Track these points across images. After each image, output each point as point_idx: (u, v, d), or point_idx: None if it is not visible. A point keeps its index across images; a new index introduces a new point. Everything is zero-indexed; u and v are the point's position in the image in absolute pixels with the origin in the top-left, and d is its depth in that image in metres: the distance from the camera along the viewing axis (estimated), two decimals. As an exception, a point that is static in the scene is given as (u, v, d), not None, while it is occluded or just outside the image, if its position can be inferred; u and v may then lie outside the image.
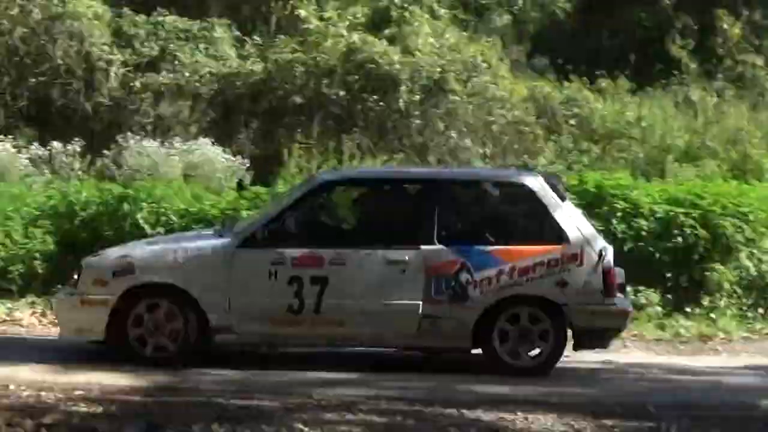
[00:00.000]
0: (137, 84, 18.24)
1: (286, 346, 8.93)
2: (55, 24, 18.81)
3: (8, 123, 18.04)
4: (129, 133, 16.15)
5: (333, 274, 8.36)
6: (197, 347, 8.53)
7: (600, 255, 8.28)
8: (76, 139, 15.88)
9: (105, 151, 15.83)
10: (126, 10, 19.53)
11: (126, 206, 12.22)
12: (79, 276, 8.72)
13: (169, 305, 8.48)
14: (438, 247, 8.35)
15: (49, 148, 15.66)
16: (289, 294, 8.37)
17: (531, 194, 8.48)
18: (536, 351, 8.42)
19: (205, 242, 8.78)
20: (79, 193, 12.75)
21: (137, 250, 8.91)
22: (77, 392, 7.49)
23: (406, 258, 8.34)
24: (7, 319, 11.09)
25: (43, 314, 11.26)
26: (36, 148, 15.71)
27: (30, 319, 11.12)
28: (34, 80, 18.58)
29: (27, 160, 15.40)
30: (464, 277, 8.31)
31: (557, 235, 8.34)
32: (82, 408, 6.97)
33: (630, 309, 8.62)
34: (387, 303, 8.35)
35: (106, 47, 18.67)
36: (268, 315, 8.43)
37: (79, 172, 15.32)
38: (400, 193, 8.92)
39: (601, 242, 8.45)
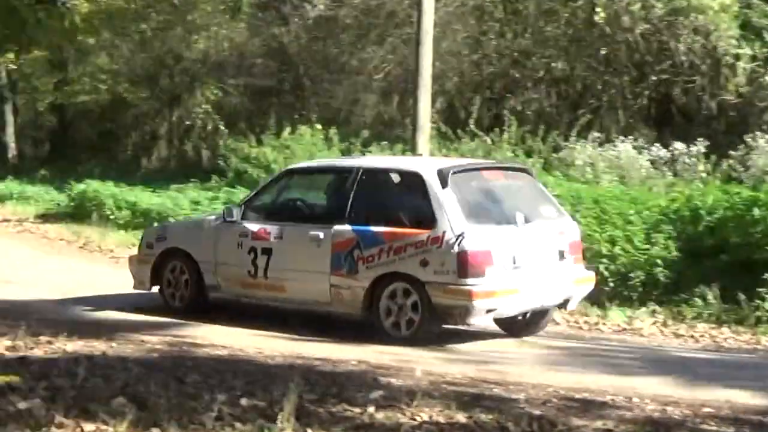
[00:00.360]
0: (767, 79, 17.66)
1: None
2: (679, 19, 18.84)
3: (628, 123, 18.44)
4: (758, 133, 15.68)
5: (275, 246, 10.52)
6: (198, 302, 11.04)
7: (457, 238, 9.44)
8: (700, 139, 15.76)
9: (731, 152, 15.51)
10: (755, 0, 19.02)
11: (756, 211, 11.79)
12: (141, 239, 11.93)
13: (182, 266, 11.11)
14: (344, 226, 10.10)
15: (671, 149, 15.70)
16: (249, 261, 10.61)
17: (421, 182, 9.87)
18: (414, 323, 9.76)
19: (206, 218, 11.66)
20: (703, 196, 12.60)
21: (173, 222, 12.46)
22: (705, 409, 7.31)
23: (321, 235, 10.20)
24: (627, 327, 11.25)
25: (665, 324, 11.27)
26: (657, 149, 15.84)
27: (650, 328, 11.19)
28: (654, 78, 18.79)
29: (648, 162, 15.59)
30: (356, 253, 10.00)
31: (429, 220, 9.68)
32: (712, 426, 6.78)
33: (479, 290, 9.39)
34: (309, 273, 10.28)
35: (733, 41, 18.33)
36: (238, 277, 10.75)
37: (703, 174, 15.18)
38: (332, 179, 10.98)
39: (463, 227, 9.51)
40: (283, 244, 10.47)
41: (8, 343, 8.10)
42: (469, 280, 9.45)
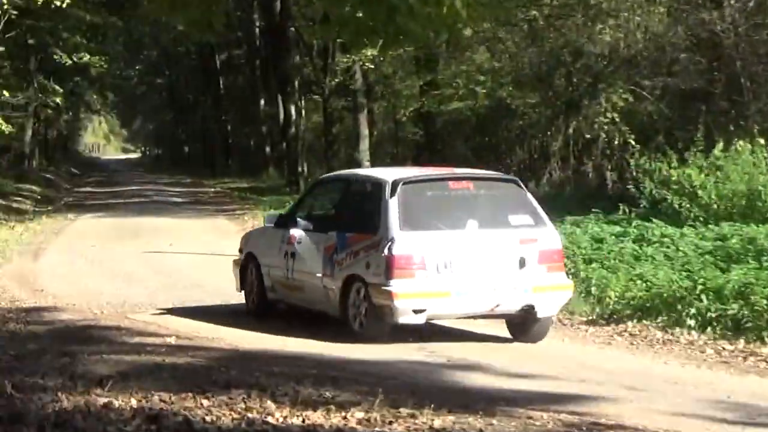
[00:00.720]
0: None
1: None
2: None
3: None
4: None
5: (297, 251, 14.56)
6: (264, 302, 15.29)
7: (388, 243, 12.94)
8: None
9: None
10: None
11: None
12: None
13: (252, 269, 15.47)
14: (332, 232, 13.91)
15: None
16: (285, 264, 14.74)
17: (380, 191, 13.38)
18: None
19: (264, 224, 16.02)
20: None
21: (253, 229, 17.83)
22: None
23: (320, 240, 14.08)
24: None
25: None
26: None
27: None
28: None
29: None
30: (335, 256, 13.73)
31: (375, 226, 13.25)
32: None
33: (400, 291, 12.81)
34: (314, 275, 14.10)
35: None
36: (280, 279, 14.88)
37: None
38: (334, 190, 15.26)
39: (395, 233, 12.99)
40: (301, 248, 14.53)
41: (361, 415, 8.32)
42: (393, 282, 12.93)
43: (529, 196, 14.04)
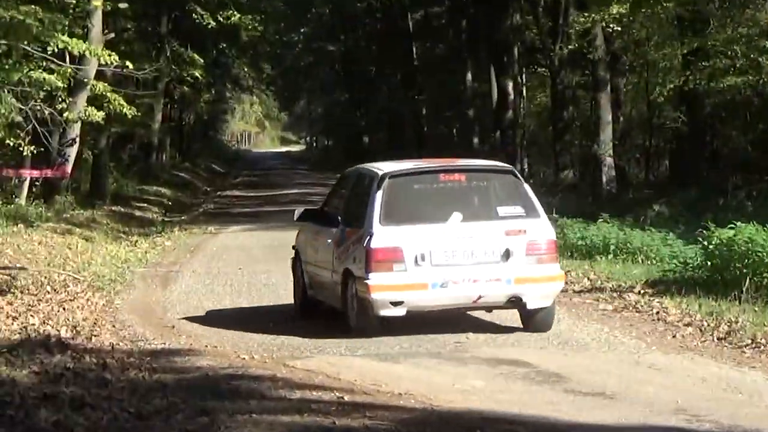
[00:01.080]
0: None
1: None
2: None
3: None
4: None
5: (318, 245, 19.41)
6: (306, 300, 20.07)
7: (367, 236, 17.27)
8: None
9: None
10: None
11: None
12: None
13: (298, 265, 20.40)
14: (339, 226, 18.47)
15: None
16: (314, 260, 19.50)
17: (371, 185, 17.85)
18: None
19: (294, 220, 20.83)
20: None
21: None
22: None
23: (331, 235, 18.66)
24: None
25: None
26: None
27: None
28: None
29: None
30: (337, 250, 18.24)
31: (363, 220, 17.66)
32: None
33: (376, 284, 17.03)
34: (327, 270, 18.65)
35: None
36: (311, 275, 19.73)
37: None
38: (348, 183, 19.79)
39: (375, 226, 17.32)
40: (319, 243, 19.24)
41: None
42: (371, 275, 17.04)
43: (526, 186, 18.10)
